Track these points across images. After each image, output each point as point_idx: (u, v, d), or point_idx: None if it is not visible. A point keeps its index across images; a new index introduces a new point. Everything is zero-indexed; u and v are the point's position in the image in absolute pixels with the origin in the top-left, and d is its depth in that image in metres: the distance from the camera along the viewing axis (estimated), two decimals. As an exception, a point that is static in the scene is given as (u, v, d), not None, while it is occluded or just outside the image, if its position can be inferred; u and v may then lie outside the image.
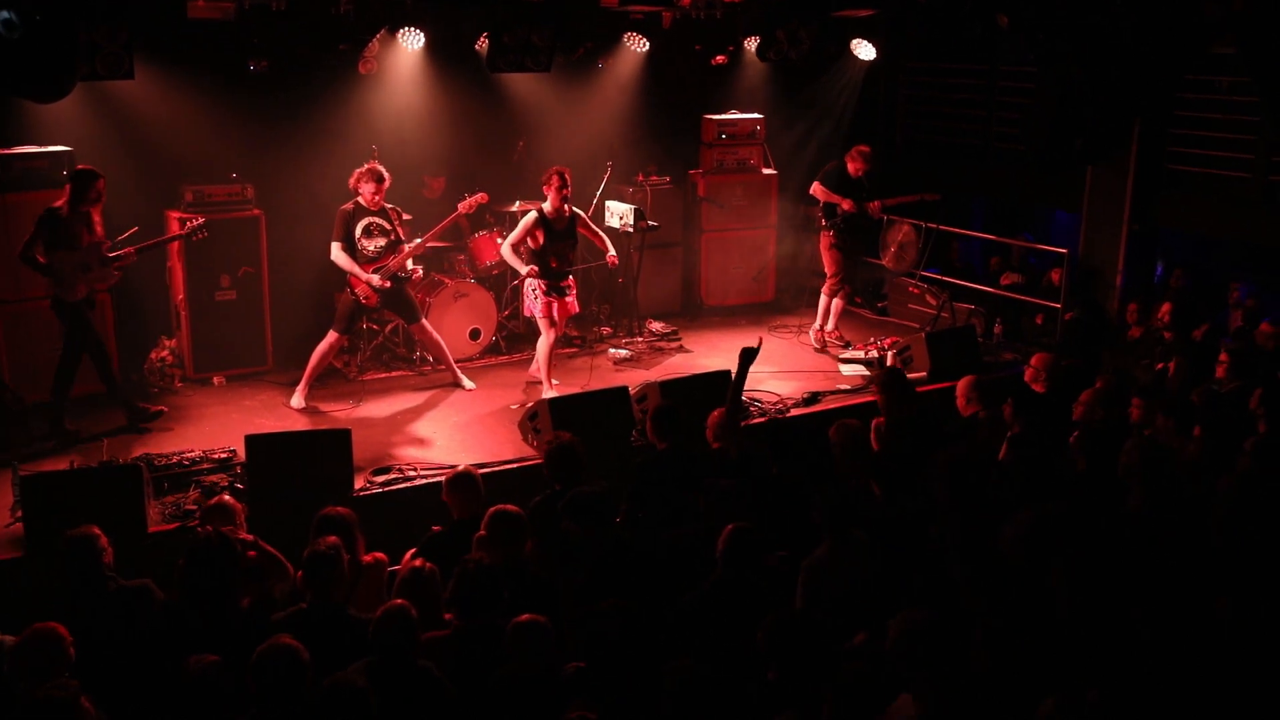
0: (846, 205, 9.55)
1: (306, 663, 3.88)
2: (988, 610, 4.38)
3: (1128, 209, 9.92)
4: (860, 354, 9.44)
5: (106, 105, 8.24)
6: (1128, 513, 5.37)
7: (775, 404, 8.26)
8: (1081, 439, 6.05)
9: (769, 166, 11.10)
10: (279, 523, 5.65)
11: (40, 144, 7.98)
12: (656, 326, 10.20)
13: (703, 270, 10.97)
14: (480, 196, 8.70)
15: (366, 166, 8.05)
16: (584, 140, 10.31)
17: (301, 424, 7.90)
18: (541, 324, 8.41)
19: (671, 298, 10.95)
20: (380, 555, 5.37)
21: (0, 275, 7.75)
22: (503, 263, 9.04)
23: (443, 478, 5.90)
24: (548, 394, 8.07)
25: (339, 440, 6.72)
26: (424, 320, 8.57)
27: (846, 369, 9.23)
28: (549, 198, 8.30)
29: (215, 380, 8.74)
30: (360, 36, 8.71)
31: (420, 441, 7.68)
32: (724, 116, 10.88)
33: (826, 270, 9.87)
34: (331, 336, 8.25)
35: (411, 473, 7.03)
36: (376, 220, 8.13)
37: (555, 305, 8.37)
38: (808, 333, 10.06)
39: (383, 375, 9.04)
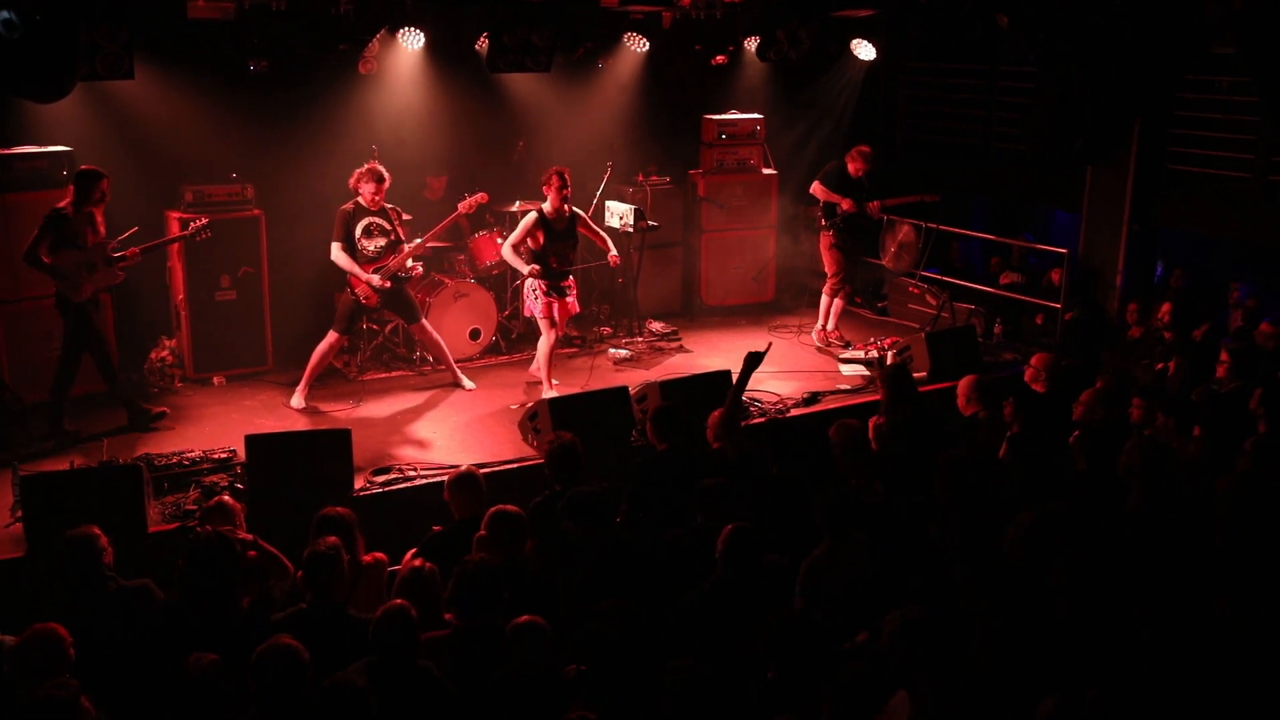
0: (846, 205, 9.56)
1: (306, 663, 3.88)
2: (988, 610, 4.38)
3: (1128, 209, 9.92)
4: (860, 354, 9.44)
5: (106, 105, 8.24)
6: (1128, 513, 5.37)
7: (775, 404, 8.26)
8: (1081, 439, 6.06)
9: (769, 166, 11.10)
10: (279, 523, 5.64)
11: (40, 144, 7.98)
12: (656, 326, 10.20)
13: (703, 270, 10.97)
14: (480, 196, 8.70)
15: (367, 166, 8.05)
16: (584, 140, 10.31)
17: (301, 424, 7.90)
18: (542, 324, 8.41)
19: (671, 298, 10.95)
20: (380, 555, 5.37)
21: (0, 275, 7.75)
22: (502, 263, 9.04)
23: (443, 478, 5.90)
24: (548, 394, 8.07)
25: (339, 440, 6.72)
26: (424, 320, 8.57)
27: (846, 369, 9.23)
28: (549, 198, 8.30)
29: (215, 380, 8.74)
30: (360, 36, 8.71)
31: (420, 441, 7.68)
32: (724, 116, 10.88)
33: (827, 270, 9.87)
34: (331, 336, 8.25)
35: (411, 473, 7.03)
36: (376, 220, 8.13)
37: (555, 305, 8.37)
38: (809, 333, 10.06)
39: (383, 375, 9.04)
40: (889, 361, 8.89)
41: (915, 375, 8.28)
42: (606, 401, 7.49)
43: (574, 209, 8.46)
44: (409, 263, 8.23)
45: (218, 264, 8.65)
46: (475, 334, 9.37)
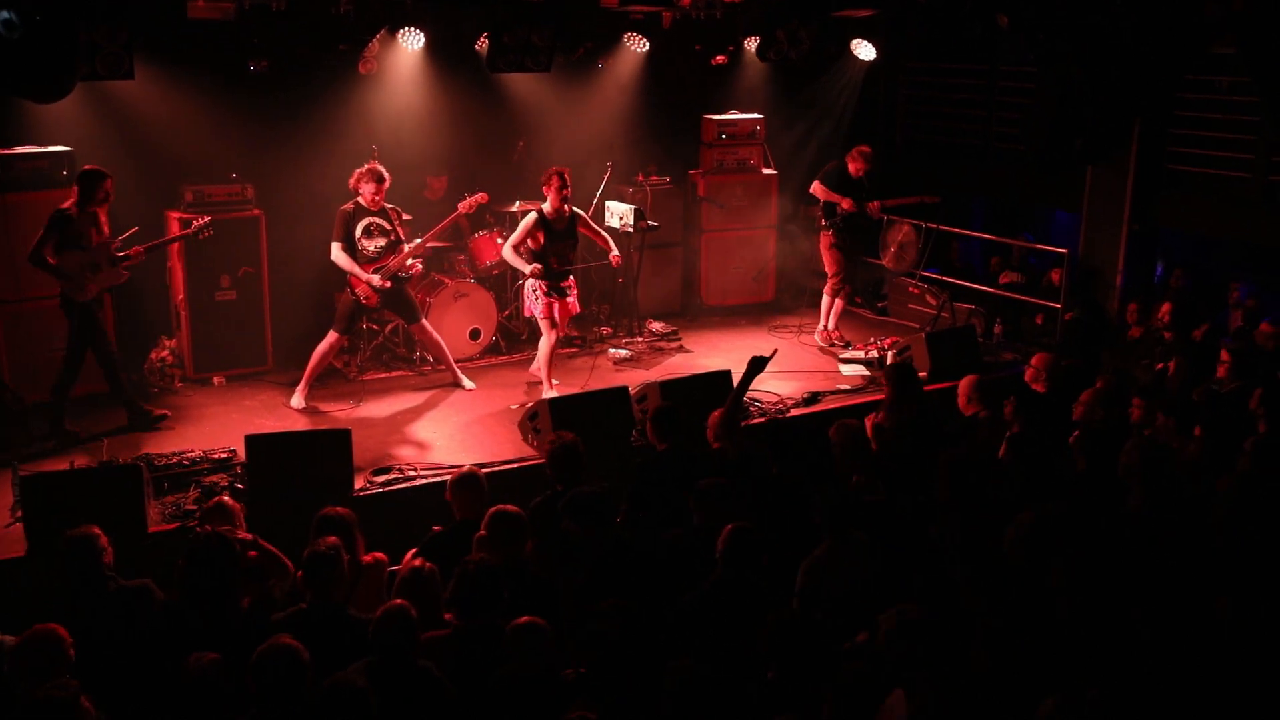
0: (846, 204, 9.56)
1: (306, 663, 3.88)
2: (988, 610, 4.39)
3: (1128, 209, 9.92)
4: (860, 354, 9.44)
5: (106, 105, 8.24)
6: (1128, 513, 5.37)
7: (775, 404, 8.26)
8: (1081, 439, 6.06)
9: (769, 166, 11.10)
10: (279, 523, 5.64)
11: (40, 144, 7.98)
12: (656, 326, 10.20)
13: (703, 270, 10.97)
14: (480, 196, 8.70)
15: (367, 167, 8.04)
16: (584, 140, 10.31)
17: (301, 424, 7.90)
18: (542, 325, 8.41)
19: (671, 298, 10.95)
20: (380, 555, 5.37)
21: (0, 275, 7.75)
22: (502, 263, 9.04)
23: (443, 478, 5.90)
24: (548, 394, 8.07)
25: (339, 440, 6.72)
26: (424, 320, 8.57)
27: (846, 369, 9.23)
28: (549, 198, 8.30)
29: (215, 380, 8.74)
30: (360, 36, 8.70)
31: (420, 442, 7.68)
32: (724, 116, 10.88)
33: (827, 270, 9.88)
34: (331, 336, 8.25)
35: (411, 473, 7.03)
36: (376, 220, 8.13)
37: (556, 305, 8.37)
38: (810, 333, 10.07)
39: (383, 375, 9.04)
40: (889, 361, 8.89)
41: (915, 375, 8.31)
42: (606, 401, 7.49)
43: (574, 209, 8.46)
44: (408, 261, 8.23)
45: (218, 264, 8.65)
46: (475, 334, 9.37)
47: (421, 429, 7.93)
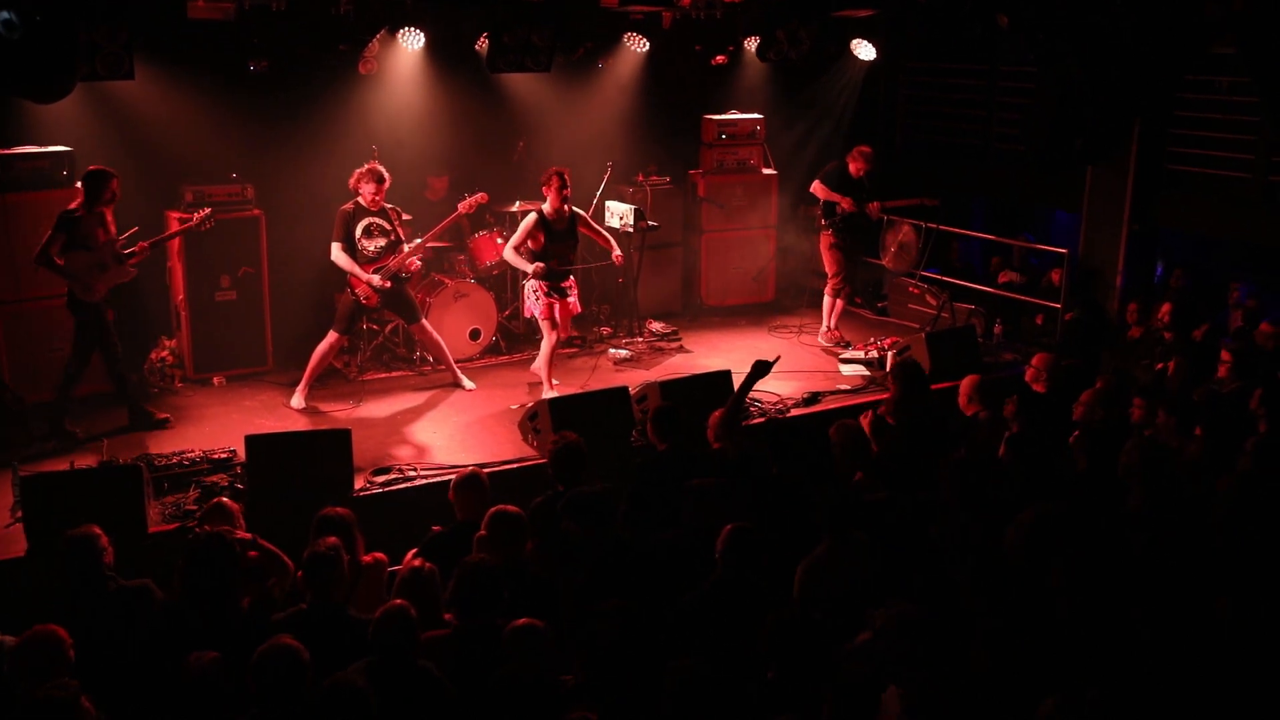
0: (845, 204, 9.57)
1: (306, 663, 3.88)
2: (988, 610, 4.38)
3: (1128, 209, 9.92)
4: (860, 354, 9.44)
5: (106, 105, 8.24)
6: (1128, 513, 5.37)
7: (775, 404, 8.26)
8: (1082, 439, 6.06)
9: (769, 166, 11.10)
10: (279, 523, 5.63)
11: (40, 144, 7.98)
12: (656, 326, 10.20)
13: (703, 270, 10.97)
14: (480, 196, 8.70)
15: (367, 167, 8.05)
16: (584, 140, 10.31)
17: (301, 424, 7.90)
18: (543, 325, 8.40)
19: (671, 298, 10.95)
20: (380, 555, 5.37)
21: (1, 275, 7.75)
22: (503, 263, 9.04)
23: (443, 478, 5.89)
24: (548, 394, 8.07)
25: (339, 440, 6.72)
26: (424, 320, 8.57)
27: (846, 369, 9.23)
28: (549, 198, 8.30)
29: (215, 380, 8.74)
30: (360, 36, 8.70)
31: (420, 442, 7.68)
32: (724, 116, 10.88)
33: (827, 270, 9.88)
34: (331, 337, 8.25)
35: (411, 473, 7.03)
36: (376, 220, 8.13)
37: (556, 306, 8.37)
38: (811, 334, 10.07)
39: (383, 375, 9.04)
40: (889, 362, 8.88)
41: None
42: (606, 401, 7.49)
43: (574, 209, 8.46)
44: (408, 260, 8.23)
45: (218, 264, 8.65)
46: (475, 334, 9.37)
47: (421, 429, 7.93)
